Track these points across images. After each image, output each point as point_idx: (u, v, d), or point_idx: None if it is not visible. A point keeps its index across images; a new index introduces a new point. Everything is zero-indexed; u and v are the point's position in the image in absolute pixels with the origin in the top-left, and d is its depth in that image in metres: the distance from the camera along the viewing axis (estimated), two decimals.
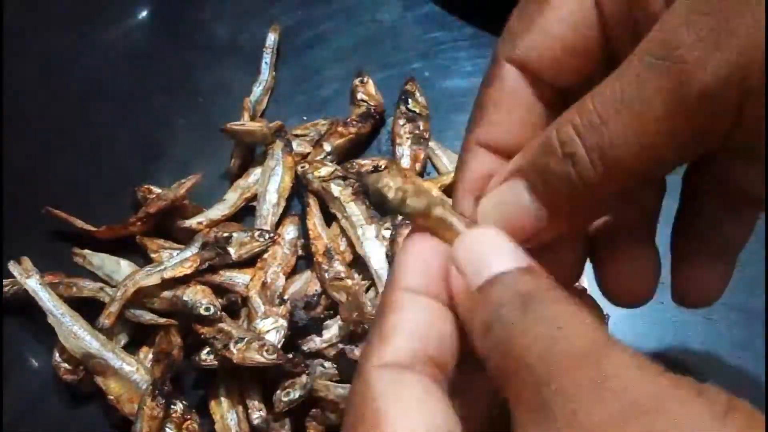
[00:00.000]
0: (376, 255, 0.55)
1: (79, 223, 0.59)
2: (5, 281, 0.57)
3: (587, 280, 0.55)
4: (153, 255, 0.58)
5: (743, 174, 0.30)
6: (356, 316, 0.51)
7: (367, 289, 0.55)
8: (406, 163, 0.61)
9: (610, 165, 0.26)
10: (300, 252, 0.58)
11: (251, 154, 0.63)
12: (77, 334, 0.53)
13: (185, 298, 0.54)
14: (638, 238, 0.32)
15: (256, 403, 0.52)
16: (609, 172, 0.26)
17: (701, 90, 0.24)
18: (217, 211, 0.60)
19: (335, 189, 0.58)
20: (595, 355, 0.21)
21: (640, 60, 0.25)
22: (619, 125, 0.25)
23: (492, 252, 0.25)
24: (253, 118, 0.64)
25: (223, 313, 0.54)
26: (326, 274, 0.55)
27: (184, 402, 0.52)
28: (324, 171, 0.59)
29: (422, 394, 0.24)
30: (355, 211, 0.57)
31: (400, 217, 0.56)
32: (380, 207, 0.37)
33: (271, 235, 0.57)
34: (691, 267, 0.33)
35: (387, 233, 0.57)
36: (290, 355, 0.51)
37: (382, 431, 0.23)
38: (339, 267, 0.55)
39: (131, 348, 0.55)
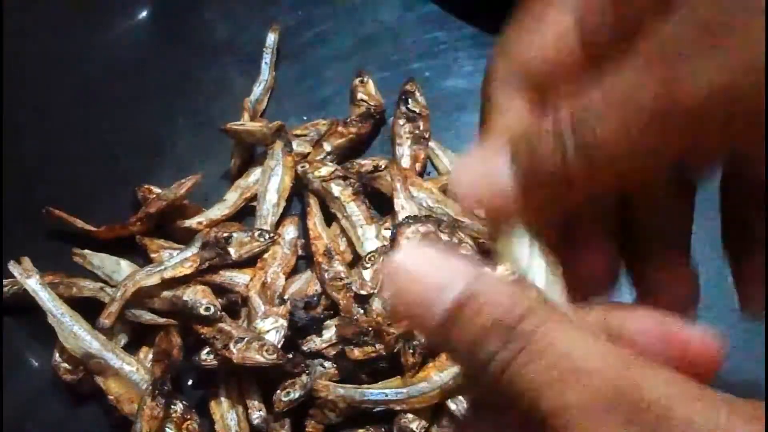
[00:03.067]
0: None
1: (79, 223, 0.59)
2: (5, 281, 0.57)
3: None
4: (153, 255, 0.58)
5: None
6: (353, 331, 0.51)
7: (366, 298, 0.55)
8: (406, 163, 0.61)
9: (596, 164, 0.25)
10: (300, 252, 0.58)
11: (251, 154, 0.63)
12: (77, 334, 0.53)
13: (185, 298, 0.54)
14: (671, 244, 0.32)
15: (256, 403, 0.52)
16: (595, 169, 0.26)
17: (688, 106, 0.24)
18: (217, 211, 0.60)
19: (335, 189, 0.58)
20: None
21: (633, 65, 0.25)
22: (610, 126, 0.25)
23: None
24: (253, 118, 0.64)
25: (223, 313, 0.54)
26: (326, 275, 0.55)
27: (184, 402, 0.52)
28: (324, 171, 0.59)
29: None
30: (356, 211, 0.57)
31: (400, 218, 0.56)
32: None
33: (271, 235, 0.57)
34: (748, 274, 0.32)
35: (387, 233, 0.57)
36: (290, 355, 0.51)
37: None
38: (339, 267, 0.55)
39: (131, 348, 0.55)
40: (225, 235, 0.56)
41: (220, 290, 0.56)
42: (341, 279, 0.54)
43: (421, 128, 0.63)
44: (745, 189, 0.31)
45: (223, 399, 0.52)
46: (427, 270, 0.24)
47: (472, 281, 0.24)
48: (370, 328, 0.51)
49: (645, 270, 0.31)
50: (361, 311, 0.53)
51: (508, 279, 0.27)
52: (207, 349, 0.52)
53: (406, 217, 0.55)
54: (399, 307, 0.25)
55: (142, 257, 0.59)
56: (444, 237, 0.54)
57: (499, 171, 0.27)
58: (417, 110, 0.63)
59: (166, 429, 0.50)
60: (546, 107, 0.29)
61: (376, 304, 0.53)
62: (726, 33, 0.23)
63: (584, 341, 0.22)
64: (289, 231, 0.59)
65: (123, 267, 0.57)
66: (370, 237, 0.56)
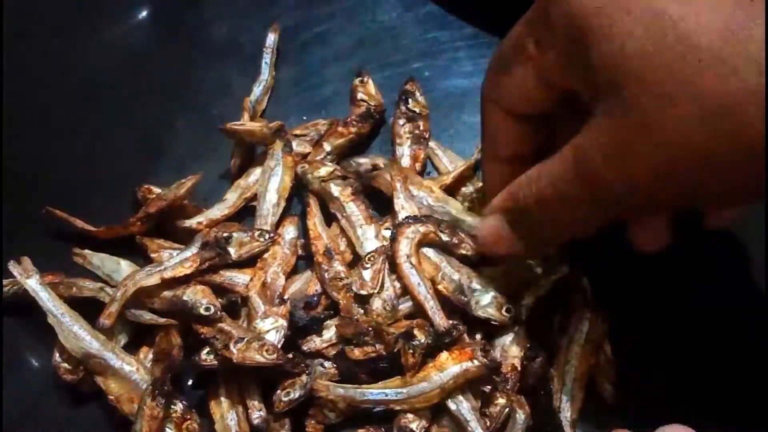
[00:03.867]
0: None
1: (79, 223, 0.59)
2: (5, 281, 0.57)
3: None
4: (153, 255, 0.58)
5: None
6: (352, 331, 0.51)
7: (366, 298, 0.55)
8: (406, 163, 0.61)
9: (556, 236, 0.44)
10: (300, 252, 0.58)
11: (251, 154, 0.63)
12: (77, 334, 0.53)
13: (185, 298, 0.54)
14: None
15: (256, 403, 0.52)
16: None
17: (612, 199, 0.36)
18: (217, 211, 0.60)
19: (334, 189, 0.58)
20: None
21: (563, 159, 0.37)
22: (548, 214, 0.41)
23: None
24: (253, 118, 0.64)
25: (223, 313, 0.53)
26: (326, 274, 0.55)
27: (184, 402, 0.51)
28: (323, 171, 0.59)
29: None
30: (355, 211, 0.57)
31: (400, 217, 0.56)
32: None
33: (271, 235, 0.57)
34: None
35: (387, 233, 0.57)
36: (290, 355, 0.51)
37: None
38: (339, 267, 0.55)
39: (131, 348, 0.55)
40: (225, 235, 0.56)
41: (220, 290, 0.56)
42: (341, 279, 0.54)
43: (421, 128, 0.63)
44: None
45: (223, 399, 0.52)
46: None
47: None
48: (370, 328, 0.51)
49: None
50: (361, 311, 0.53)
51: None
52: (207, 349, 0.52)
53: (406, 217, 0.55)
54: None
55: (142, 257, 0.59)
56: (444, 237, 0.54)
57: (503, 231, 0.46)
58: (417, 110, 0.63)
59: (166, 429, 0.50)
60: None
61: (377, 304, 0.53)
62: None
63: None
64: (289, 231, 0.59)
65: (123, 267, 0.57)
66: (369, 237, 0.56)
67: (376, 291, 0.53)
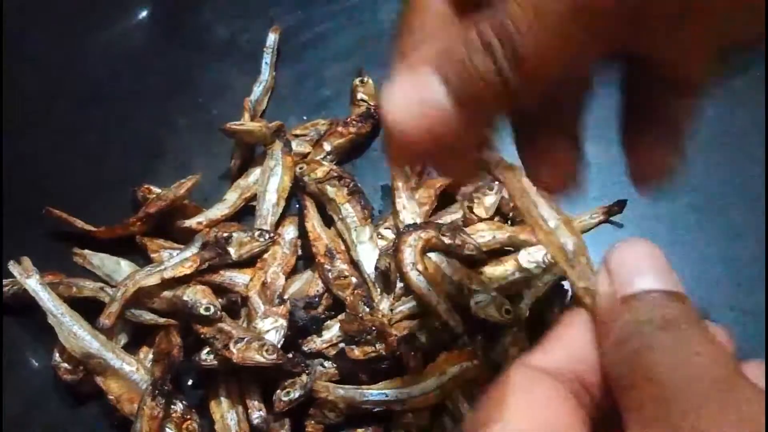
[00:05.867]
0: (368, 260, 0.55)
1: (79, 223, 0.59)
2: (5, 281, 0.57)
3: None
4: (153, 255, 0.58)
5: (670, 62, 0.30)
6: (356, 328, 0.51)
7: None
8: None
9: (527, 70, 0.26)
10: (300, 252, 0.58)
11: (251, 154, 0.63)
12: (77, 334, 0.53)
13: (185, 298, 0.54)
14: (562, 131, 0.32)
15: (256, 403, 0.52)
16: (525, 76, 0.26)
17: (600, 7, 0.24)
18: (217, 211, 0.60)
19: (330, 190, 0.58)
20: (728, 384, 0.23)
21: None
22: (533, 35, 0.25)
23: (644, 267, 0.26)
24: (253, 118, 0.64)
25: (223, 313, 0.53)
26: (329, 274, 0.55)
27: (184, 402, 0.51)
28: (320, 172, 0.58)
29: (553, 394, 0.26)
30: (350, 212, 0.57)
31: (401, 217, 0.56)
32: None
33: (271, 235, 0.57)
34: (643, 149, 0.33)
35: (387, 232, 0.57)
36: (290, 355, 0.51)
37: (500, 413, 0.25)
38: (342, 266, 0.55)
39: (131, 348, 0.55)
40: (225, 235, 0.56)
41: (220, 290, 0.56)
42: (345, 277, 0.54)
43: None
44: (654, 78, 0.31)
45: (223, 399, 0.52)
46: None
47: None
48: (374, 327, 0.51)
49: (535, 150, 0.32)
50: (367, 309, 0.53)
51: None
52: (207, 349, 0.52)
53: (406, 226, 0.55)
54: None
55: (142, 257, 0.59)
56: (447, 240, 0.54)
57: (433, 93, 0.26)
58: None
59: (166, 429, 0.50)
60: (464, 16, 0.28)
61: (383, 304, 0.53)
62: None
63: None
64: (289, 231, 0.59)
65: (123, 267, 0.57)
66: (364, 240, 0.56)
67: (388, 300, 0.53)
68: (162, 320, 0.54)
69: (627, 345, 0.24)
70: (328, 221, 0.59)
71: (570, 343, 0.27)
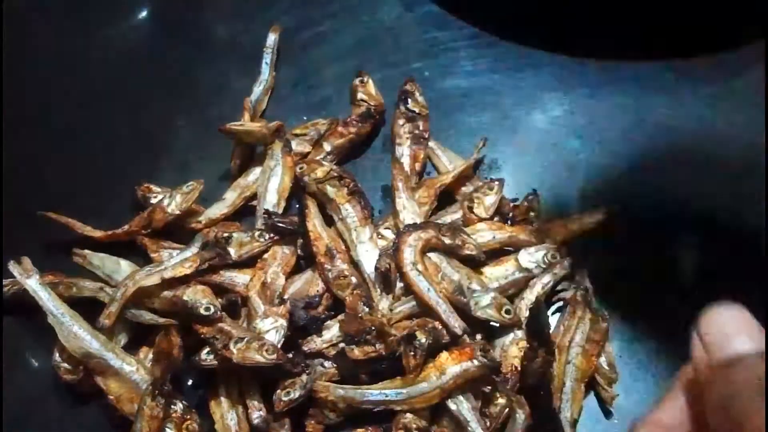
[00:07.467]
0: (368, 260, 0.55)
1: (79, 227, 0.59)
2: (5, 281, 0.57)
3: None
4: (153, 255, 0.58)
5: None
6: (356, 328, 0.51)
7: None
8: (406, 162, 0.61)
9: None
10: (300, 252, 0.58)
11: (251, 154, 0.63)
12: (77, 334, 0.53)
13: (185, 298, 0.54)
14: None
15: (256, 403, 0.52)
16: None
17: None
18: (216, 210, 0.60)
19: (330, 191, 0.58)
20: None
21: None
22: None
23: (736, 330, 0.28)
24: (253, 118, 0.64)
25: (223, 313, 0.53)
26: (330, 274, 0.55)
27: (184, 402, 0.51)
28: (320, 172, 0.58)
29: None
30: (350, 212, 0.57)
31: (401, 217, 0.56)
32: None
33: (271, 235, 0.57)
34: None
35: (387, 232, 0.57)
36: (290, 355, 0.51)
37: None
38: (342, 265, 0.55)
39: (131, 348, 0.55)
40: (225, 235, 0.56)
41: (220, 290, 0.56)
42: (345, 277, 0.54)
43: (421, 128, 0.63)
44: None
45: (223, 399, 0.52)
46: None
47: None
48: (373, 327, 0.51)
49: None
50: (366, 309, 0.53)
51: None
52: (207, 349, 0.52)
53: (406, 226, 0.55)
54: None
55: (142, 257, 0.59)
56: (447, 240, 0.54)
57: None
58: (416, 110, 0.63)
59: (166, 429, 0.50)
60: None
61: (383, 304, 0.53)
62: None
63: None
64: None
65: (123, 267, 0.57)
66: (364, 240, 0.56)
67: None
68: (162, 320, 0.54)
69: (728, 410, 0.27)
70: (328, 221, 0.59)
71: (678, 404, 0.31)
